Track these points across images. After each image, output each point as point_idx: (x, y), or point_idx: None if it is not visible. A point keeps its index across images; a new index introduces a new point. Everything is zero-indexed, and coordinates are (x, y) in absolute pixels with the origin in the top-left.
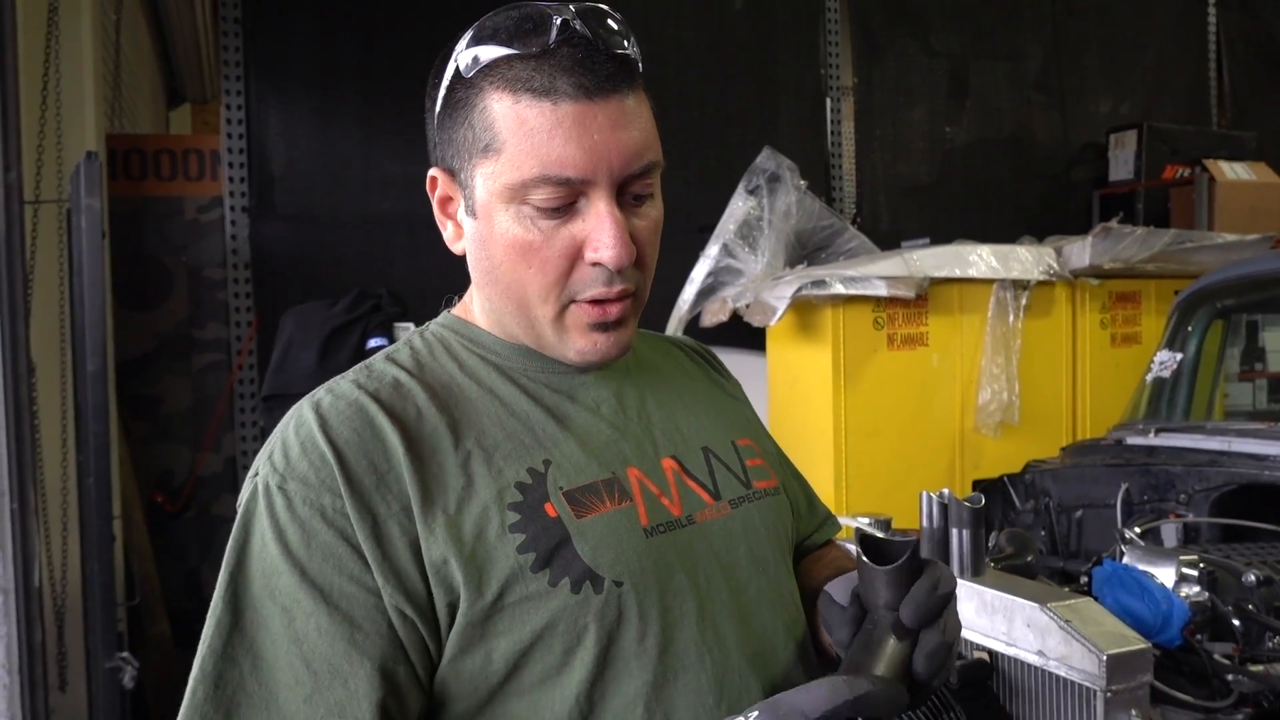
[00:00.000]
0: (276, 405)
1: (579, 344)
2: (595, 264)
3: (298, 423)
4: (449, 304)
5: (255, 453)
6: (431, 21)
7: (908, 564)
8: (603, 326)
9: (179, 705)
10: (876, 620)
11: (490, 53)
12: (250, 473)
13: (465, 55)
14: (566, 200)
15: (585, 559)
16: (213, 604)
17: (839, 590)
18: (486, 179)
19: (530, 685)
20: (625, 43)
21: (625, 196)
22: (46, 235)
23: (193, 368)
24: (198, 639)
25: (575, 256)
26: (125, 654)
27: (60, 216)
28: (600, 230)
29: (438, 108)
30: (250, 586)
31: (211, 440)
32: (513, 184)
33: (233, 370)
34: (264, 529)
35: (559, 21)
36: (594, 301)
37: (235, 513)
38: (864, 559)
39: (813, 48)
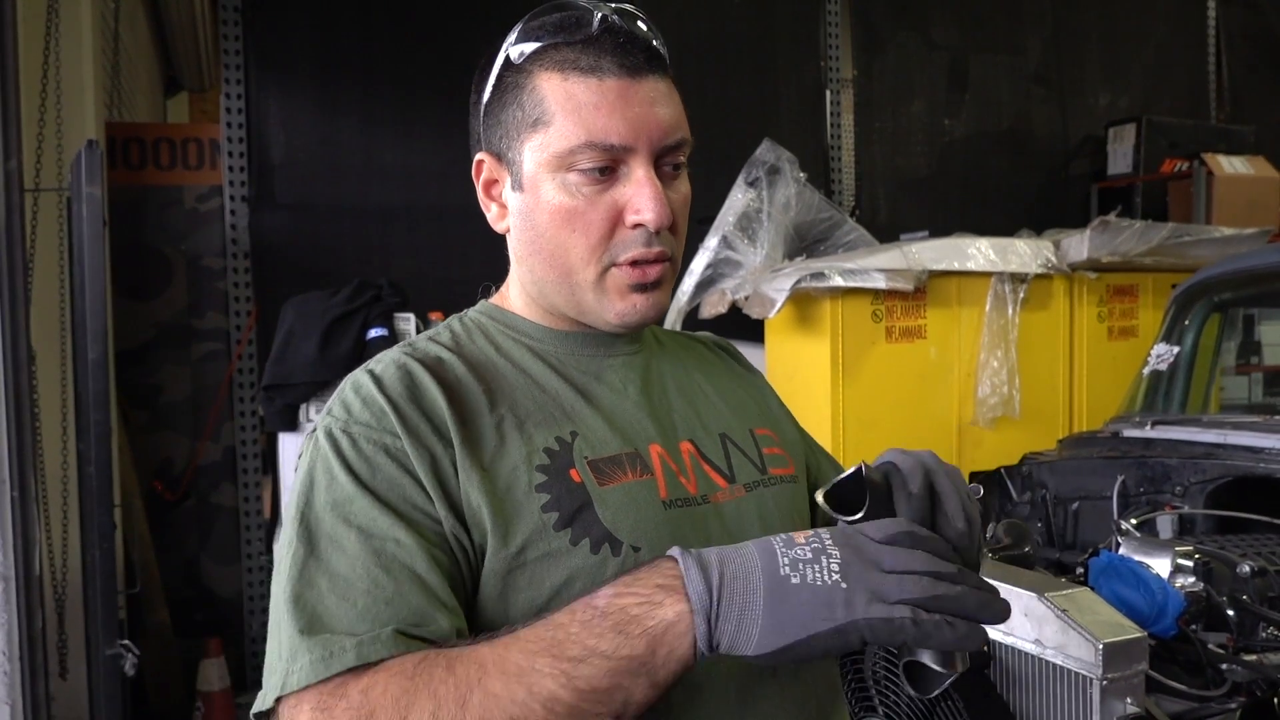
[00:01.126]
0: (276, 395)
1: (618, 305)
2: (636, 225)
3: (354, 385)
4: (486, 292)
5: (254, 442)
6: (432, 10)
7: (872, 504)
8: (641, 288)
9: (178, 693)
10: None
11: (537, 44)
12: (309, 432)
13: (514, 49)
14: (609, 166)
15: (605, 523)
16: (285, 540)
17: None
18: (534, 151)
19: None
20: (655, 40)
21: (661, 167)
22: (46, 223)
23: (192, 357)
24: (197, 627)
25: (616, 220)
26: (126, 641)
27: (60, 205)
28: (640, 194)
29: (485, 97)
30: (322, 519)
31: (211, 429)
32: (560, 152)
33: (232, 359)
34: (332, 466)
35: (599, 16)
36: (633, 264)
37: (235, 502)
38: (836, 517)
39: (813, 40)
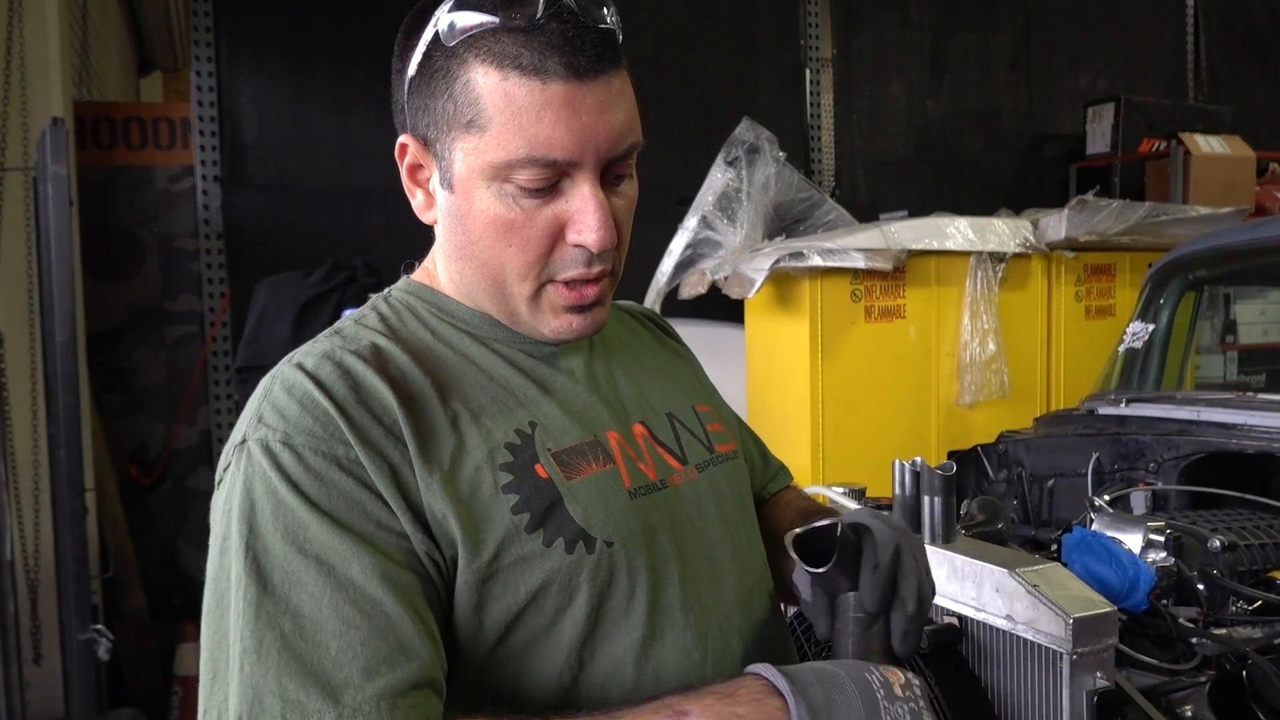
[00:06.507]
0: (250, 377)
1: (553, 323)
2: (577, 245)
3: (286, 384)
4: (409, 269)
5: (230, 425)
6: None
7: (839, 560)
8: (578, 309)
9: (155, 677)
10: (842, 610)
11: (472, 19)
12: (231, 443)
13: (445, 20)
14: (551, 181)
15: (578, 520)
16: (233, 578)
17: (803, 584)
18: (468, 154)
19: (518, 649)
20: (607, 15)
21: (607, 177)
22: (13, 204)
23: (166, 340)
24: (174, 612)
25: (556, 236)
26: (99, 626)
27: (26, 185)
28: (585, 213)
29: (410, 71)
30: (273, 549)
31: (186, 413)
32: (497, 163)
33: (206, 342)
34: (274, 488)
35: None
36: (570, 283)
37: (211, 486)
38: (802, 566)
39: (792, 18)
